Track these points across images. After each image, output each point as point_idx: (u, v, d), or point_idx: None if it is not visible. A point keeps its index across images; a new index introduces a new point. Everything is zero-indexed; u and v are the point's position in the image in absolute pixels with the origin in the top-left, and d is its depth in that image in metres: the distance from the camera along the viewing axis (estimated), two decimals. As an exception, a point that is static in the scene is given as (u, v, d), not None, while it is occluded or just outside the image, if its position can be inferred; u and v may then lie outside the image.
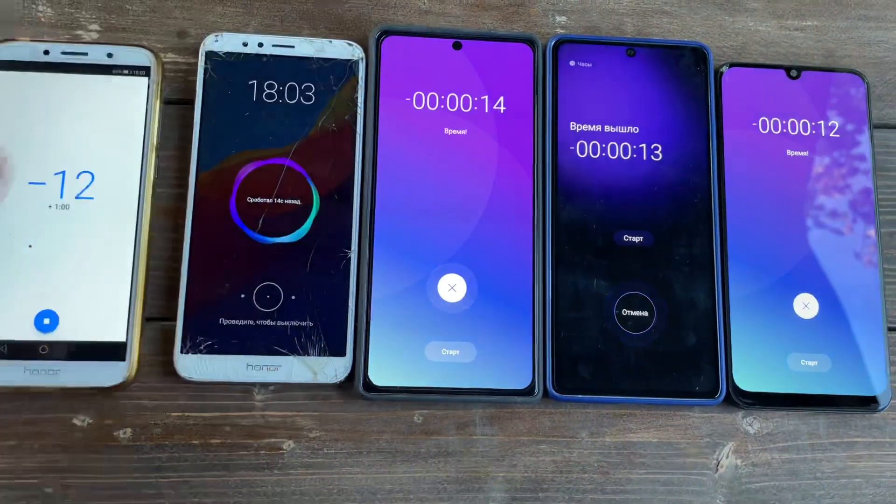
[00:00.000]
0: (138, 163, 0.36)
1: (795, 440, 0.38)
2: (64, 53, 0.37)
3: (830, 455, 0.37)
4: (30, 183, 0.36)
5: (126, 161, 0.36)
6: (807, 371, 0.37)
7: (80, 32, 0.39)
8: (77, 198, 0.36)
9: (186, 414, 0.35)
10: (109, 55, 0.37)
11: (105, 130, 0.36)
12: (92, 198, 0.36)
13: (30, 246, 0.35)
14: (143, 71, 0.37)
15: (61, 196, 0.36)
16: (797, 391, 0.37)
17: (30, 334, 0.34)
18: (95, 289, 0.35)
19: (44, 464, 0.34)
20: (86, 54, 0.37)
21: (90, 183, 0.36)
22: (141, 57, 0.37)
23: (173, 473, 0.35)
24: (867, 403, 0.37)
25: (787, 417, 0.38)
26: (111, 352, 0.34)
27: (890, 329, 0.39)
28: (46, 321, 0.34)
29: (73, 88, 0.37)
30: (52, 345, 0.34)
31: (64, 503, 0.34)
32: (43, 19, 0.39)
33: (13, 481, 0.34)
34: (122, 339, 0.35)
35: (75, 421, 0.35)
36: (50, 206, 0.35)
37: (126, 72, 0.37)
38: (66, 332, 0.34)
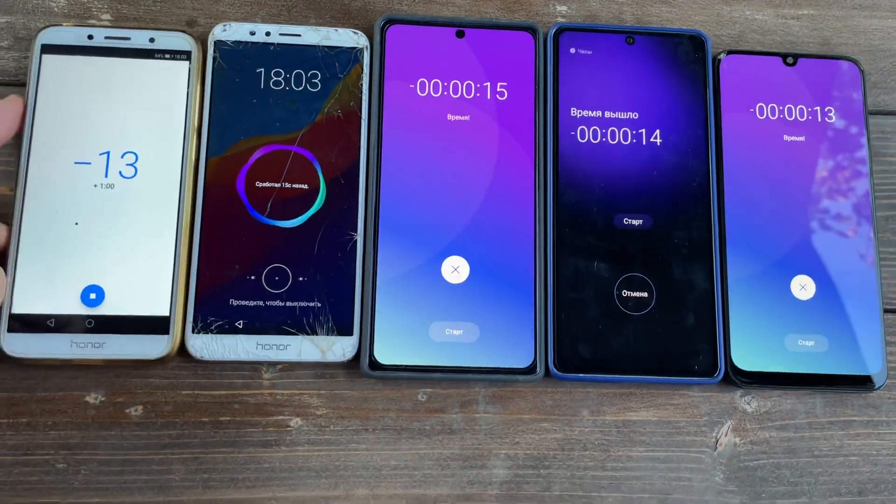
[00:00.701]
0: (180, 143, 0.37)
1: (793, 419, 0.38)
2: (107, 38, 0.38)
3: (828, 434, 0.38)
4: (76, 163, 0.37)
5: (168, 141, 0.37)
6: (804, 351, 0.38)
7: (91, 21, 0.40)
8: (121, 177, 0.37)
9: (196, 392, 0.36)
10: (152, 40, 0.38)
11: (148, 112, 0.37)
12: (135, 177, 0.37)
13: (76, 223, 0.36)
14: (185, 55, 0.38)
15: (106, 175, 0.37)
16: (794, 371, 0.38)
17: (76, 309, 0.35)
18: (139, 264, 0.36)
19: (57, 440, 0.35)
20: (129, 39, 0.38)
21: (134, 163, 0.37)
22: (182, 42, 0.38)
23: (183, 450, 0.36)
24: (863, 383, 0.38)
25: (785, 396, 0.38)
26: (155, 325, 0.35)
27: (886, 310, 0.39)
28: (92, 296, 0.35)
29: (116, 71, 0.38)
30: (98, 319, 0.35)
31: (76, 479, 0.35)
32: (56, 9, 0.40)
33: (27, 457, 0.35)
34: (166, 313, 0.36)
35: (88, 399, 0.36)
36: (95, 185, 0.37)
37: (168, 56, 0.38)
38: (111, 307, 0.35)
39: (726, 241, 0.39)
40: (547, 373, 0.37)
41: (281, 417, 0.36)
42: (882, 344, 0.38)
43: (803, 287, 0.39)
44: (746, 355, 0.38)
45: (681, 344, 0.37)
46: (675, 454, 0.37)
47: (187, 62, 0.38)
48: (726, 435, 0.38)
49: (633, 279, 0.38)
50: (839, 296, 0.39)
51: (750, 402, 0.38)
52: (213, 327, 0.36)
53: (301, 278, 0.37)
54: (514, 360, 0.37)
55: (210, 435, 0.36)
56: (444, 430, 0.37)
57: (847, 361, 0.38)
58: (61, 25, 0.38)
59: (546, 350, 0.37)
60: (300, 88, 0.39)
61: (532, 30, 0.40)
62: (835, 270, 0.39)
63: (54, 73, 0.37)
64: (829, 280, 0.39)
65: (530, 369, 0.36)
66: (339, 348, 0.36)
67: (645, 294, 0.38)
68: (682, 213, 0.39)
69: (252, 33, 0.39)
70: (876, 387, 0.38)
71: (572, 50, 0.40)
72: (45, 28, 0.38)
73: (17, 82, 0.39)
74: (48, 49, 0.38)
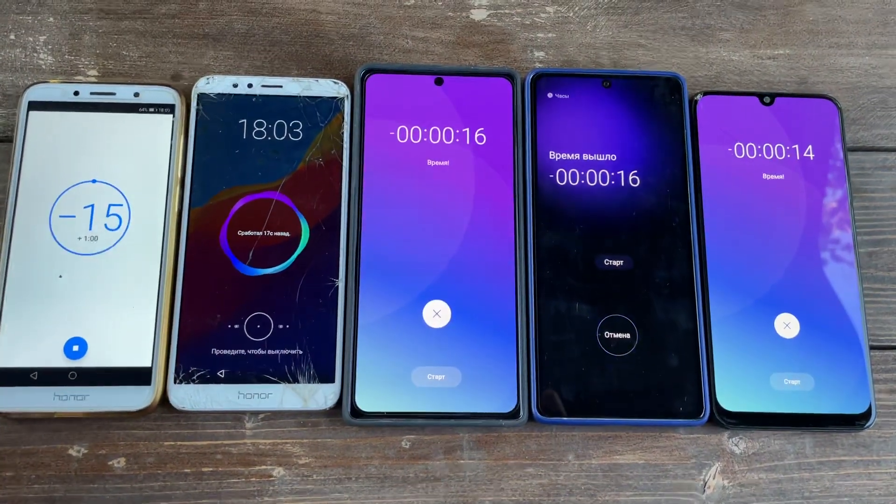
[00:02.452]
0: (164, 194, 0.38)
1: (782, 460, 0.38)
2: (93, 94, 0.39)
3: (818, 474, 0.38)
4: (61, 216, 0.37)
5: (152, 193, 0.38)
6: (790, 390, 0.38)
7: (79, 77, 0.41)
8: (105, 229, 0.37)
9: (178, 443, 0.36)
10: (136, 94, 0.39)
11: (132, 165, 0.38)
12: (119, 229, 0.37)
13: (60, 276, 0.37)
14: (168, 108, 0.39)
15: (90, 228, 0.37)
16: (781, 411, 0.37)
17: (59, 361, 0.36)
18: (122, 316, 0.36)
19: (40, 494, 0.35)
20: (114, 94, 0.39)
21: (118, 215, 0.37)
22: (166, 95, 0.39)
23: (166, 502, 0.35)
24: (852, 422, 0.37)
25: (773, 437, 0.38)
26: (137, 376, 0.36)
27: (872, 347, 0.39)
28: (75, 348, 0.36)
29: (101, 126, 0.39)
30: (81, 371, 0.35)
31: (59, 533, 0.35)
32: (44, 66, 0.41)
33: (10, 512, 0.35)
34: (148, 364, 0.36)
35: (71, 451, 0.36)
36: (79, 238, 0.37)
37: (152, 109, 0.39)
38: (94, 359, 0.36)
39: (708, 281, 0.39)
40: (530, 417, 0.37)
41: (263, 467, 0.36)
42: (869, 381, 0.38)
43: (787, 325, 0.38)
44: (732, 396, 0.37)
45: (665, 385, 0.37)
46: (663, 498, 0.37)
47: (171, 115, 0.39)
48: (714, 477, 0.37)
49: (615, 320, 0.38)
50: (824, 333, 0.38)
51: (738, 443, 0.38)
52: (194, 377, 0.36)
53: (282, 326, 0.37)
54: (497, 404, 0.36)
55: (192, 486, 0.36)
56: (428, 477, 0.36)
57: (834, 400, 0.38)
58: (48, 82, 0.39)
59: (529, 394, 0.37)
60: (282, 138, 0.39)
61: (509, 76, 0.41)
62: (819, 308, 0.39)
63: (41, 129, 0.38)
64: (814, 318, 0.39)
65: (513, 414, 0.36)
66: (321, 396, 0.36)
67: (627, 335, 0.38)
68: (662, 254, 0.39)
69: (235, 85, 0.40)
70: (865, 425, 0.37)
71: (550, 94, 0.41)
72: (32, 85, 0.39)
73: (4, 138, 0.40)
74: (35, 105, 0.39)
